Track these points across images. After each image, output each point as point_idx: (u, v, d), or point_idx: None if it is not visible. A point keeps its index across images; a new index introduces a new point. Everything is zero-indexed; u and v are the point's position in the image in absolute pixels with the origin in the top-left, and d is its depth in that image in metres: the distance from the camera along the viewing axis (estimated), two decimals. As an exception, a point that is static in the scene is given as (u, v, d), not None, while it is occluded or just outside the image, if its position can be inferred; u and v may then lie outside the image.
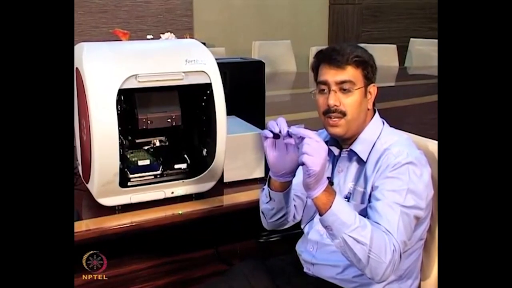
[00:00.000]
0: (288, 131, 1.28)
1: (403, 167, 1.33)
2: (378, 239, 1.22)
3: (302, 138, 1.21)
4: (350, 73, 1.39)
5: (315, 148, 1.19)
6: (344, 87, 1.39)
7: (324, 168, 1.20)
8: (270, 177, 1.42)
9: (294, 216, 1.54)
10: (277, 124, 1.30)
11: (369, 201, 1.36)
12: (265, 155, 1.36)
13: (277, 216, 1.49)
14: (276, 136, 1.31)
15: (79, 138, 1.77)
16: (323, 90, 1.42)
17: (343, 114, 1.39)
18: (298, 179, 1.45)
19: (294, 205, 1.53)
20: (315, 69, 1.46)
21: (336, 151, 1.48)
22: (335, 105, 1.39)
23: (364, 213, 1.32)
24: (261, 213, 1.54)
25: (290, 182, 1.41)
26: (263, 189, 1.50)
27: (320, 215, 1.25)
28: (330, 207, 1.22)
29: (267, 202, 1.47)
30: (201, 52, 1.74)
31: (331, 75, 1.40)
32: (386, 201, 1.30)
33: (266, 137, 1.32)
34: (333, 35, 6.63)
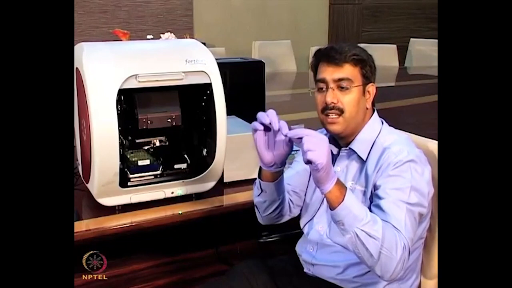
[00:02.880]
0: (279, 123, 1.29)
1: (405, 165, 1.33)
2: (389, 234, 1.22)
3: (301, 139, 1.21)
4: (348, 71, 1.40)
5: (315, 143, 1.19)
6: (342, 85, 1.39)
7: (330, 159, 1.20)
8: (260, 168, 1.42)
9: (290, 210, 1.54)
10: (268, 116, 1.30)
11: (371, 200, 1.36)
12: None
13: (270, 209, 1.49)
14: (266, 128, 1.32)
15: (79, 138, 1.77)
16: (322, 88, 1.42)
17: (341, 111, 1.40)
18: (292, 171, 1.46)
19: (291, 200, 1.53)
20: (314, 67, 1.46)
21: (334, 150, 1.48)
22: (333, 102, 1.39)
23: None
24: (255, 207, 1.54)
25: (281, 172, 1.41)
26: (255, 182, 1.50)
27: (332, 209, 1.23)
28: (343, 200, 1.21)
29: (259, 195, 1.47)
30: (201, 52, 1.74)
31: (329, 72, 1.40)
32: (391, 199, 1.30)
33: (256, 130, 1.32)
34: (333, 35, 6.64)
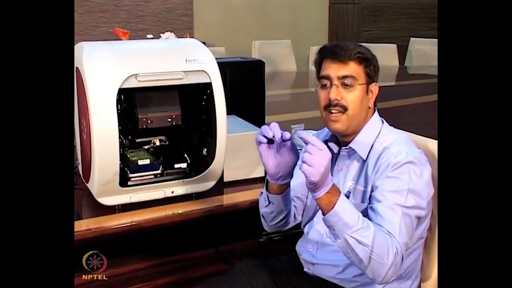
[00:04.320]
0: (282, 135, 1.30)
1: (403, 166, 1.33)
2: (380, 240, 1.23)
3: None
4: (353, 68, 1.40)
5: (315, 158, 1.19)
6: (346, 82, 1.39)
7: (324, 176, 1.20)
8: (267, 180, 1.42)
9: (294, 217, 1.54)
10: (271, 129, 1.31)
11: (370, 201, 1.36)
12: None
13: (277, 219, 1.49)
14: (270, 141, 1.33)
15: (79, 138, 1.77)
16: (325, 85, 1.42)
17: (345, 109, 1.39)
18: (297, 181, 1.45)
19: (294, 206, 1.53)
20: (318, 64, 1.46)
21: (335, 148, 1.48)
22: (336, 99, 1.39)
23: (365, 212, 1.33)
24: (261, 216, 1.54)
25: (288, 184, 1.41)
26: (262, 193, 1.50)
27: (323, 214, 1.25)
28: (333, 208, 1.22)
29: (266, 206, 1.47)
30: (201, 51, 1.74)
31: (333, 69, 1.40)
32: (388, 203, 1.30)
33: (260, 142, 1.33)
34: (333, 34, 6.64)
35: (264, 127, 1.33)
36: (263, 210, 1.50)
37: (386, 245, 1.23)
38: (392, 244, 1.24)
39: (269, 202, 1.45)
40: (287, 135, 1.31)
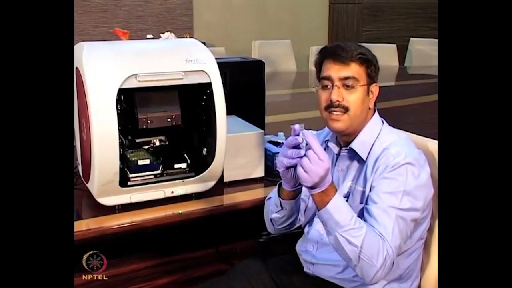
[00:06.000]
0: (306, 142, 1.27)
1: (402, 167, 1.33)
2: (371, 242, 1.23)
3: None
4: (354, 69, 1.40)
5: (312, 166, 1.20)
6: (347, 83, 1.39)
7: (318, 183, 1.22)
8: (281, 188, 1.41)
9: (299, 219, 1.54)
10: (304, 136, 1.25)
11: (366, 201, 1.36)
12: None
13: (287, 222, 1.50)
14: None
15: (79, 138, 1.77)
16: (326, 85, 1.42)
17: (346, 109, 1.39)
18: None
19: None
20: (319, 65, 1.46)
21: (335, 149, 1.48)
22: (338, 100, 1.39)
23: (363, 213, 1.33)
24: (269, 221, 1.53)
25: (301, 188, 1.41)
26: (269, 198, 1.50)
27: (317, 210, 1.27)
28: (325, 206, 1.24)
29: (277, 212, 1.47)
30: (201, 51, 1.74)
31: (335, 70, 1.40)
32: (382, 205, 1.30)
33: (288, 168, 1.29)
34: (333, 34, 6.64)
35: (291, 151, 1.25)
36: (273, 215, 1.49)
37: (376, 248, 1.24)
38: (384, 246, 1.25)
39: (282, 208, 1.44)
40: (304, 134, 1.25)
